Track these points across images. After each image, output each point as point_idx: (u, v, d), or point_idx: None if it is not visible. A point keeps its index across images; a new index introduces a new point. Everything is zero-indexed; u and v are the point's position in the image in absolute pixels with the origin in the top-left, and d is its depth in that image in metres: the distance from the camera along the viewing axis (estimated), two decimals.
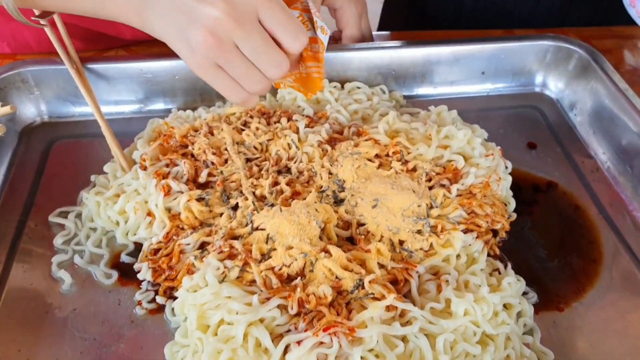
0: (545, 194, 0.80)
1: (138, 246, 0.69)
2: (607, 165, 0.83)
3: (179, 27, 0.53)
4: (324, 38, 0.59)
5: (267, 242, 0.61)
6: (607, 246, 0.72)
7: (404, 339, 0.54)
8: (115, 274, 0.66)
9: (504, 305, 0.61)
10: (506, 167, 0.78)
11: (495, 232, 0.70)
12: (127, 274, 0.67)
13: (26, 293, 0.65)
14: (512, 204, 0.74)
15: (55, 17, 0.82)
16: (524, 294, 0.65)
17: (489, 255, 0.68)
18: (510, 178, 0.76)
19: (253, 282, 0.58)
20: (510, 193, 0.75)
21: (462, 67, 0.93)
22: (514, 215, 0.73)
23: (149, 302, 0.64)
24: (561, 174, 0.82)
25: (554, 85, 0.95)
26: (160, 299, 0.63)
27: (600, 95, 0.86)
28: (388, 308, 0.55)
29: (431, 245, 0.64)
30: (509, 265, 0.67)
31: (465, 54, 0.92)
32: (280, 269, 0.59)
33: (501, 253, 0.70)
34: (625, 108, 0.81)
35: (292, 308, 0.55)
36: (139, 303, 0.63)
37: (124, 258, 0.68)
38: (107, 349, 0.60)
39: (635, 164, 0.78)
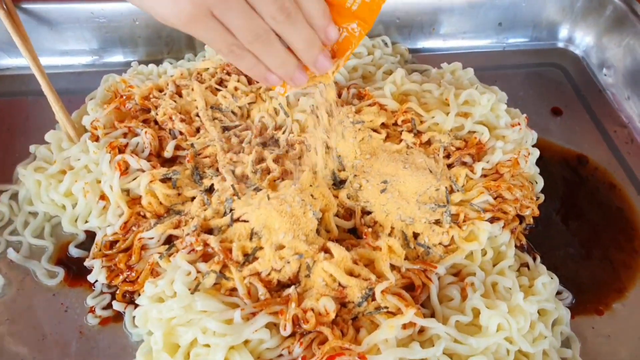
0: (575, 170, 0.69)
1: (90, 235, 0.56)
2: None
3: None
4: None
5: (251, 239, 0.48)
6: None
7: None
8: (61, 272, 0.54)
9: (538, 312, 0.51)
10: (531, 138, 0.66)
11: (521, 218, 0.59)
12: (76, 272, 0.54)
13: None
14: (540, 183, 0.63)
15: None
16: (558, 293, 0.55)
17: (515, 246, 0.57)
18: (537, 152, 0.64)
19: (234, 290, 0.46)
20: (537, 169, 0.64)
21: (476, 17, 0.80)
22: (542, 197, 0.62)
23: (104, 308, 0.51)
24: (591, 146, 0.71)
25: (582, 40, 0.82)
26: (117, 305, 0.51)
27: (638, 53, 0.74)
28: (405, 325, 0.44)
29: (452, 238, 0.52)
30: (538, 259, 0.57)
31: (481, 1, 0.78)
32: (268, 275, 0.47)
33: (528, 243, 0.59)
34: None
35: (284, 328, 0.43)
36: (91, 310, 0.51)
37: (73, 251, 0.56)
38: None
39: None
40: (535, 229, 0.61)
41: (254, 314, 0.44)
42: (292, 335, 0.43)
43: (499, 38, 0.82)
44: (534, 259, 0.57)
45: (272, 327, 0.44)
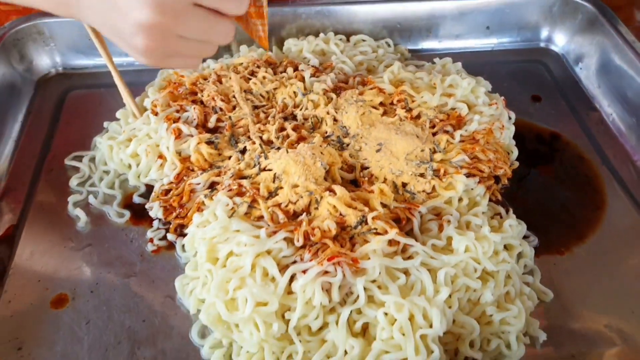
0: (549, 145, 0.81)
1: (149, 188, 0.71)
2: (612, 117, 0.83)
3: (121, 37, 0.52)
4: None
5: (274, 181, 0.63)
6: (610, 195, 0.74)
7: (405, 272, 0.56)
8: (127, 214, 0.69)
9: (505, 247, 0.63)
10: (510, 118, 0.79)
11: (497, 179, 0.72)
12: (138, 214, 0.70)
13: (45, 229, 0.68)
14: (515, 152, 0.75)
15: None
16: (526, 237, 0.67)
17: (491, 200, 0.69)
18: (513, 128, 0.77)
19: (261, 217, 0.60)
20: (513, 142, 0.76)
21: (467, 22, 0.93)
22: (517, 163, 0.75)
23: (160, 239, 0.66)
24: (565, 126, 0.83)
25: (560, 40, 0.95)
26: (170, 236, 0.66)
27: (607, 49, 0.86)
28: (390, 243, 0.57)
29: (433, 187, 0.65)
30: (511, 211, 0.69)
31: (471, 8, 0.92)
32: (286, 206, 0.61)
33: (503, 199, 0.71)
34: (632, 61, 0.81)
35: (297, 240, 0.57)
36: (150, 240, 0.66)
37: (136, 199, 0.71)
38: (120, 281, 0.63)
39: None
40: (510, 189, 0.73)
41: (275, 232, 0.58)
42: (303, 247, 0.57)
43: (487, 39, 0.95)
44: (507, 211, 0.69)
45: (289, 241, 0.57)
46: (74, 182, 0.72)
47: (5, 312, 0.59)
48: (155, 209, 0.67)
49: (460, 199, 0.65)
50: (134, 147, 0.71)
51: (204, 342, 0.57)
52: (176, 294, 0.61)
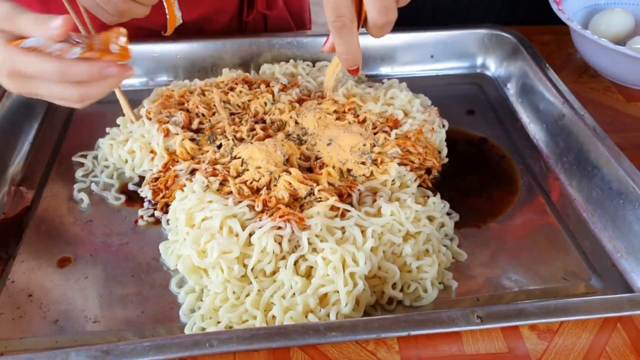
0: (478, 147, 0.97)
1: (141, 179, 0.86)
2: (529, 125, 1.00)
3: None
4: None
5: (242, 165, 0.78)
6: (522, 184, 0.89)
7: (342, 230, 0.71)
8: (123, 198, 0.84)
9: (428, 218, 0.78)
10: (443, 126, 0.95)
11: (429, 172, 0.88)
12: (132, 199, 0.84)
13: (54, 210, 0.82)
14: (445, 151, 0.91)
15: (81, 8, 1.02)
16: (449, 214, 0.82)
17: (422, 186, 0.84)
18: (444, 132, 0.93)
19: (230, 193, 0.75)
20: (445, 144, 0.93)
21: (414, 51, 1.11)
22: (446, 160, 0.91)
23: (149, 216, 0.81)
24: (492, 133, 1.00)
25: (492, 66, 1.13)
26: (157, 213, 0.80)
27: (525, 72, 1.04)
28: (331, 209, 0.72)
29: (372, 172, 0.81)
30: (438, 195, 0.84)
31: (417, 40, 1.11)
32: (251, 183, 0.76)
33: (433, 186, 0.86)
34: (543, 80, 0.99)
35: (257, 206, 0.72)
36: (141, 217, 0.81)
37: (131, 187, 0.86)
38: (115, 248, 0.77)
39: (548, 123, 0.95)
40: (440, 180, 0.89)
41: (240, 202, 0.73)
42: (262, 211, 0.72)
43: (432, 66, 1.13)
44: (435, 195, 0.84)
45: (251, 207, 0.72)
46: (79, 173, 0.87)
47: (19, 269, 0.73)
48: (145, 191, 0.82)
49: (393, 182, 0.81)
50: (130, 145, 0.87)
51: (180, 290, 0.70)
52: (160, 256, 0.75)
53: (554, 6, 1.09)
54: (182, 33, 1.16)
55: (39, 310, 0.68)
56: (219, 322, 0.65)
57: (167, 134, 0.86)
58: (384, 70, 1.13)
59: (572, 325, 0.65)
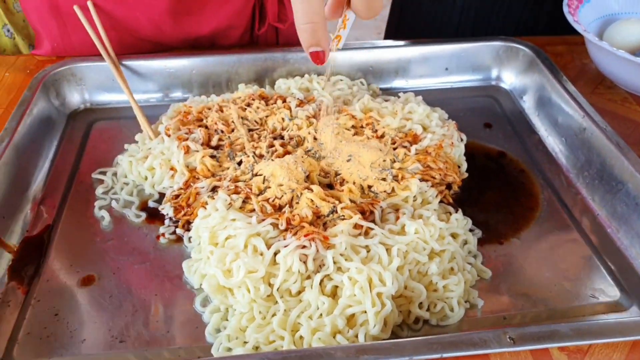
0: (496, 161, 0.97)
1: (161, 196, 0.87)
2: (548, 139, 1.00)
3: None
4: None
5: (263, 182, 0.78)
6: (543, 199, 0.89)
7: (367, 248, 0.71)
8: (143, 215, 0.84)
9: (452, 235, 0.78)
10: (462, 139, 0.95)
11: (449, 187, 0.87)
12: (153, 216, 0.84)
13: (75, 227, 0.82)
14: (464, 165, 0.91)
15: (97, 24, 1.03)
16: (471, 230, 0.82)
17: (443, 202, 0.84)
18: (463, 146, 0.93)
19: (252, 211, 0.75)
20: (464, 158, 0.92)
21: (429, 64, 1.12)
22: (466, 174, 0.90)
23: (170, 234, 0.81)
24: (510, 146, 0.99)
25: (507, 78, 1.13)
26: (179, 231, 0.80)
27: (543, 85, 1.04)
28: (355, 226, 0.72)
29: (393, 189, 0.80)
30: (460, 211, 0.83)
31: (431, 53, 1.11)
32: (273, 200, 0.76)
33: (454, 202, 0.86)
34: (561, 93, 0.99)
35: (281, 225, 0.72)
36: (162, 234, 0.81)
37: (151, 204, 0.86)
38: (137, 266, 0.77)
39: (568, 136, 0.95)
40: (461, 195, 0.89)
41: (263, 219, 0.72)
42: (286, 230, 0.72)
43: (447, 79, 1.13)
44: (456, 211, 0.84)
45: (275, 225, 0.72)
46: (99, 190, 0.87)
47: (44, 287, 0.73)
48: (167, 209, 0.82)
49: (415, 198, 0.80)
50: (150, 162, 0.87)
51: (205, 309, 0.70)
52: (183, 274, 0.75)
53: (569, 17, 1.09)
54: (196, 48, 1.17)
55: (65, 330, 0.68)
56: (245, 343, 0.65)
57: (188, 151, 0.86)
58: (398, 83, 1.13)
59: (603, 346, 0.64)
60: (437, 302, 0.69)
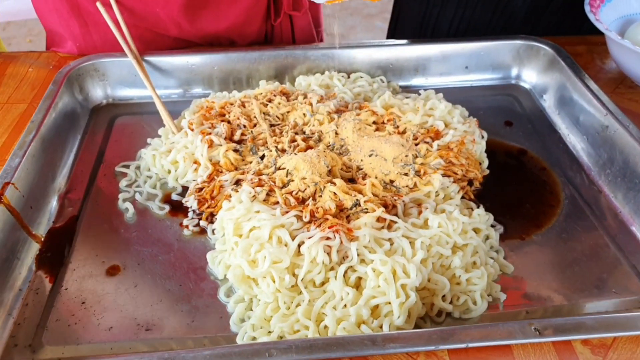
0: (517, 158, 0.97)
1: (184, 190, 0.88)
2: (569, 137, 0.99)
3: None
4: None
5: (287, 176, 0.79)
6: (564, 196, 0.88)
7: (390, 241, 0.71)
8: (167, 207, 0.85)
9: (474, 230, 0.78)
10: (482, 137, 0.95)
11: (471, 183, 0.87)
12: (176, 209, 0.85)
13: (100, 219, 0.83)
14: (486, 162, 0.91)
15: (119, 19, 1.04)
16: (493, 226, 0.82)
17: (465, 198, 0.84)
18: (484, 143, 0.93)
19: (276, 203, 0.76)
20: (485, 155, 0.92)
21: (448, 62, 1.12)
22: (487, 171, 0.90)
23: (194, 226, 0.81)
24: (531, 144, 0.99)
25: (527, 77, 1.13)
26: (203, 223, 0.81)
27: (564, 83, 1.04)
28: (378, 220, 0.72)
29: (415, 184, 0.81)
30: (481, 207, 0.83)
31: (451, 51, 1.11)
32: (296, 193, 0.77)
33: (475, 198, 0.86)
34: (583, 92, 0.98)
35: (305, 217, 0.72)
36: (186, 226, 0.81)
37: (174, 197, 0.87)
38: (162, 257, 0.78)
39: (589, 134, 0.95)
40: (482, 191, 0.89)
41: (287, 212, 0.73)
42: (309, 222, 0.72)
43: (466, 77, 1.14)
44: (478, 206, 0.84)
45: (298, 217, 0.73)
46: (123, 183, 0.89)
47: (71, 277, 0.74)
48: (190, 201, 0.83)
49: (437, 194, 0.81)
50: (173, 155, 0.88)
51: (229, 299, 0.71)
52: (207, 265, 0.76)
53: (591, 16, 1.09)
54: (216, 45, 1.18)
55: (92, 317, 0.69)
56: (269, 332, 0.66)
57: (211, 145, 0.87)
58: (417, 81, 1.14)
59: (626, 340, 0.64)
60: (460, 295, 0.70)
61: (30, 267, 0.75)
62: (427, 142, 0.87)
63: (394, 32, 1.55)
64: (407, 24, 1.50)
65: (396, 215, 0.76)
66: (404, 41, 1.12)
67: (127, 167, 0.92)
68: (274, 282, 0.67)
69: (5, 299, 0.70)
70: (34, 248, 0.78)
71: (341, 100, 0.99)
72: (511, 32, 1.24)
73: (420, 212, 0.76)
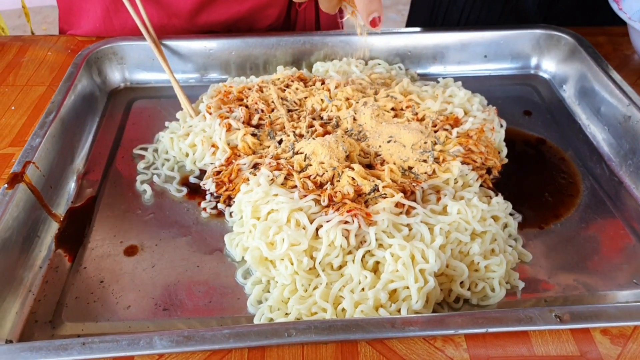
0: (536, 147, 0.96)
1: (202, 173, 0.88)
2: (589, 128, 0.98)
3: None
4: None
5: (305, 160, 0.79)
6: (584, 186, 0.87)
7: (408, 227, 0.71)
8: (185, 190, 0.85)
9: (493, 218, 0.77)
10: (501, 126, 0.94)
11: (489, 171, 0.87)
12: (194, 191, 0.85)
13: (118, 200, 0.84)
14: (505, 151, 0.90)
15: (138, 3, 1.04)
16: (512, 215, 0.81)
17: (483, 187, 0.84)
18: (503, 132, 0.92)
19: (294, 187, 0.76)
20: (504, 143, 0.92)
21: (467, 51, 1.11)
22: (506, 160, 0.90)
23: (212, 209, 0.82)
24: (550, 134, 0.98)
25: (547, 67, 1.11)
26: (220, 206, 0.81)
27: (584, 73, 1.02)
28: (396, 205, 0.72)
29: (434, 171, 0.80)
30: (500, 195, 0.83)
31: (470, 39, 1.10)
32: (314, 178, 0.76)
33: (493, 186, 0.85)
34: (605, 82, 0.97)
35: (324, 201, 0.72)
36: (204, 209, 0.82)
37: (192, 180, 0.87)
38: (179, 239, 0.78)
39: (611, 125, 0.94)
40: (501, 180, 0.88)
41: (305, 195, 0.73)
42: (328, 206, 0.72)
43: (485, 66, 1.12)
44: (496, 195, 0.83)
45: (316, 201, 0.73)
46: (141, 165, 0.89)
47: (90, 255, 0.75)
48: (209, 184, 0.83)
49: (455, 181, 0.80)
50: (191, 139, 0.88)
51: (246, 281, 0.71)
52: (224, 247, 0.76)
53: (614, 6, 1.07)
54: (235, 30, 1.18)
55: (111, 296, 0.69)
56: (287, 314, 0.66)
57: (229, 128, 0.87)
58: (435, 69, 1.13)
59: None
60: (478, 282, 0.69)
61: (49, 246, 0.76)
62: (446, 130, 0.87)
63: (409, 21, 1.55)
64: (420, 13, 1.50)
65: (414, 201, 0.76)
66: (422, 29, 1.11)
67: (145, 149, 0.92)
68: (292, 264, 0.67)
69: (25, 276, 0.71)
70: (53, 227, 0.79)
71: (359, 86, 0.98)
72: (521, 22, 1.22)
73: (438, 199, 0.76)
